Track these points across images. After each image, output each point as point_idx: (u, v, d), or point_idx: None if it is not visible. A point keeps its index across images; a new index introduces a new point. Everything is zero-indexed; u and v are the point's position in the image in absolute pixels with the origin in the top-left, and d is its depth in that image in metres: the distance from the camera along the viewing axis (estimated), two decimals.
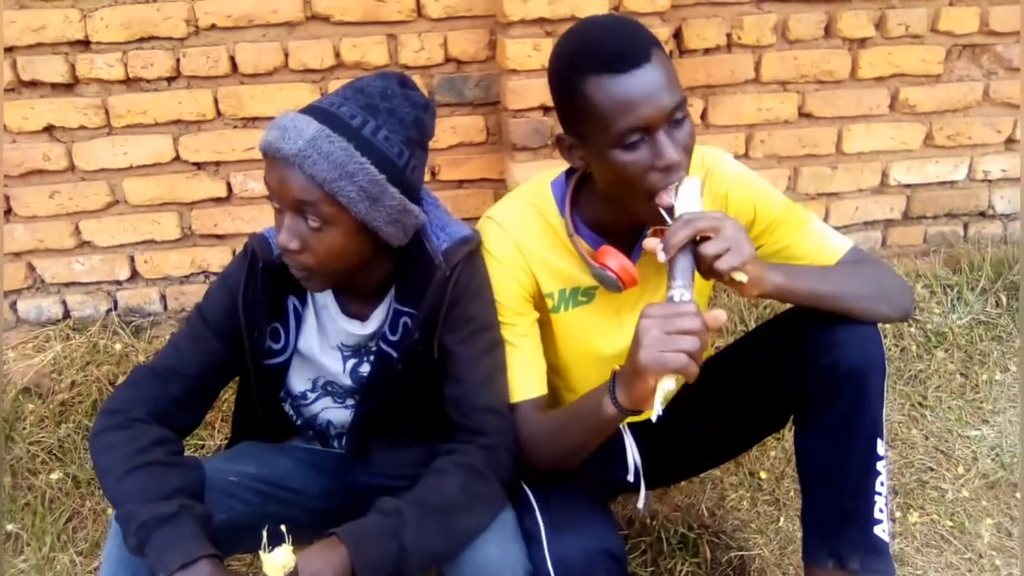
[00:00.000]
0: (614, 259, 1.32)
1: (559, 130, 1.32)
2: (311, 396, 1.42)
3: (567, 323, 1.44)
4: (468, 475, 1.21)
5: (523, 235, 1.38)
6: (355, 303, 1.36)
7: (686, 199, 1.19)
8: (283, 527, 1.09)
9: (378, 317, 1.35)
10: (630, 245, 1.38)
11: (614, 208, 1.32)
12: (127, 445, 1.21)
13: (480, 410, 1.28)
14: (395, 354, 1.33)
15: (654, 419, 1.10)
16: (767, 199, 1.41)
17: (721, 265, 1.14)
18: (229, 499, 1.31)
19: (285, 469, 1.43)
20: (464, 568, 1.18)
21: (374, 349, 1.36)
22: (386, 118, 1.20)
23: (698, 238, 1.15)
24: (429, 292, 1.28)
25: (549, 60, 1.29)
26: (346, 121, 1.17)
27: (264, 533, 1.08)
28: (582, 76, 1.19)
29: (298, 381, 1.41)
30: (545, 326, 1.42)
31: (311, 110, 1.20)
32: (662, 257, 1.15)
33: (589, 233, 1.38)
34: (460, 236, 1.32)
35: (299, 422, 1.48)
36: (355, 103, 1.20)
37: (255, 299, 1.32)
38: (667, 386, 1.07)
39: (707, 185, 1.39)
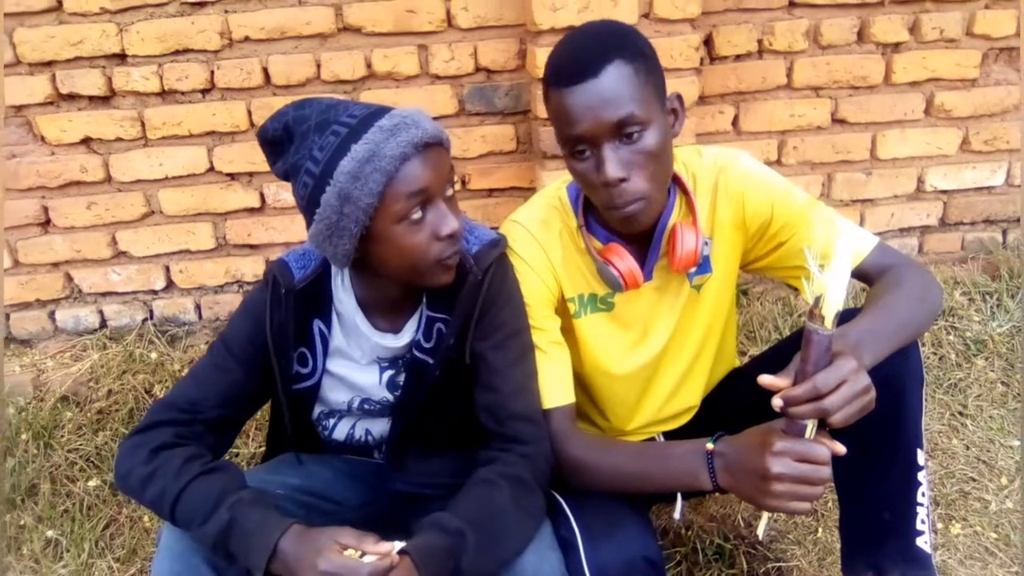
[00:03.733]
0: (620, 259, 1.33)
1: None
2: (346, 417, 1.42)
3: (588, 329, 1.43)
4: (517, 488, 1.20)
5: (546, 238, 1.39)
6: (384, 317, 1.34)
7: (838, 271, 1.04)
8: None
9: (411, 327, 1.34)
10: (643, 245, 1.38)
11: None
12: (160, 477, 1.19)
13: (515, 418, 1.27)
14: (431, 361, 1.33)
15: (761, 536, 1.23)
16: (785, 197, 1.38)
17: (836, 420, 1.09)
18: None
19: (326, 479, 1.42)
20: None
21: (408, 358, 1.35)
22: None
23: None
24: (462, 296, 1.28)
25: None
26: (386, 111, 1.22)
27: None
28: (546, 89, 1.26)
29: (332, 401, 1.40)
30: (568, 334, 1.42)
31: (372, 116, 1.17)
32: (778, 403, 1.09)
33: (603, 232, 1.38)
34: (488, 239, 1.32)
35: (333, 442, 1.45)
36: (360, 108, 1.22)
37: (281, 325, 1.30)
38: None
39: (721, 186, 1.39)
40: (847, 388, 1.06)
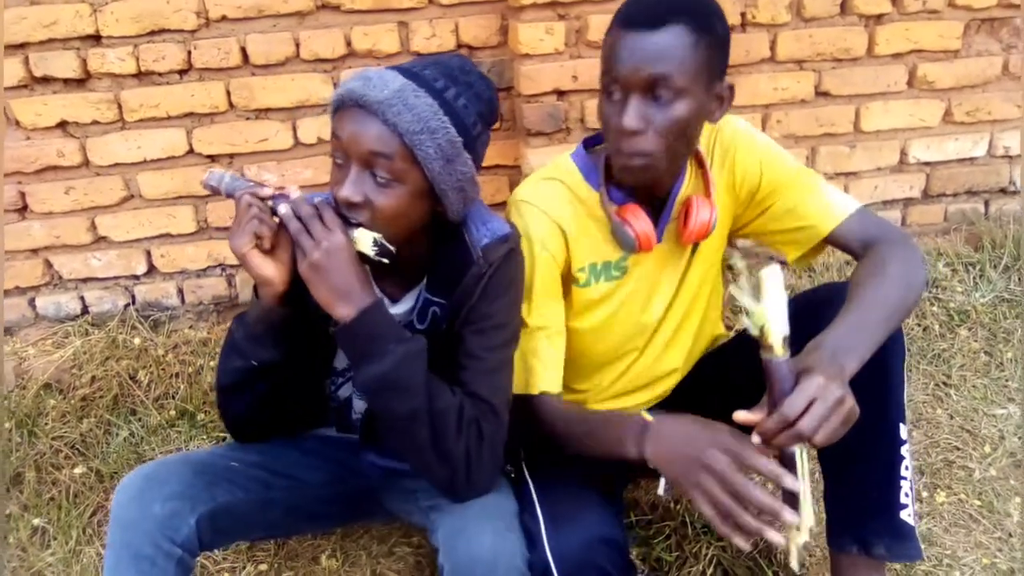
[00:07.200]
0: (636, 219, 1.34)
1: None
2: (349, 381, 1.43)
3: (594, 296, 1.44)
4: (471, 420, 1.24)
5: (556, 210, 1.39)
6: (388, 282, 1.35)
7: (772, 298, 1.07)
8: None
9: (407, 303, 1.34)
10: (656, 211, 1.39)
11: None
12: None
13: (474, 397, 1.26)
14: None
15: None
16: (775, 159, 1.41)
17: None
18: (229, 484, 1.32)
19: (291, 459, 1.43)
20: (457, 558, 1.17)
21: None
22: (464, 89, 1.22)
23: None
24: (463, 285, 1.28)
25: None
26: (430, 81, 1.20)
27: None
28: (611, 24, 1.26)
29: (342, 356, 1.41)
30: (567, 297, 1.44)
31: (394, 68, 1.21)
32: (757, 440, 1.10)
33: (619, 195, 1.40)
34: (501, 234, 1.30)
35: (335, 403, 1.47)
36: (436, 70, 1.22)
37: None
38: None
39: (716, 146, 1.42)
40: (818, 406, 1.06)
